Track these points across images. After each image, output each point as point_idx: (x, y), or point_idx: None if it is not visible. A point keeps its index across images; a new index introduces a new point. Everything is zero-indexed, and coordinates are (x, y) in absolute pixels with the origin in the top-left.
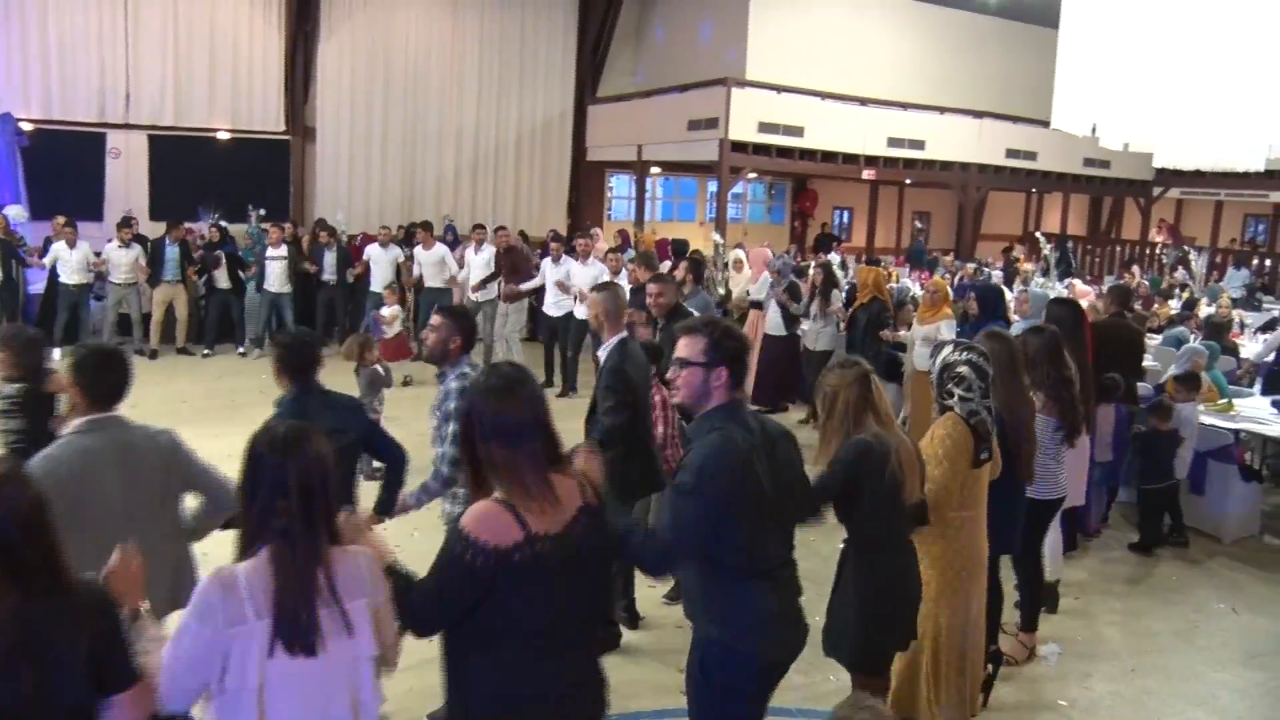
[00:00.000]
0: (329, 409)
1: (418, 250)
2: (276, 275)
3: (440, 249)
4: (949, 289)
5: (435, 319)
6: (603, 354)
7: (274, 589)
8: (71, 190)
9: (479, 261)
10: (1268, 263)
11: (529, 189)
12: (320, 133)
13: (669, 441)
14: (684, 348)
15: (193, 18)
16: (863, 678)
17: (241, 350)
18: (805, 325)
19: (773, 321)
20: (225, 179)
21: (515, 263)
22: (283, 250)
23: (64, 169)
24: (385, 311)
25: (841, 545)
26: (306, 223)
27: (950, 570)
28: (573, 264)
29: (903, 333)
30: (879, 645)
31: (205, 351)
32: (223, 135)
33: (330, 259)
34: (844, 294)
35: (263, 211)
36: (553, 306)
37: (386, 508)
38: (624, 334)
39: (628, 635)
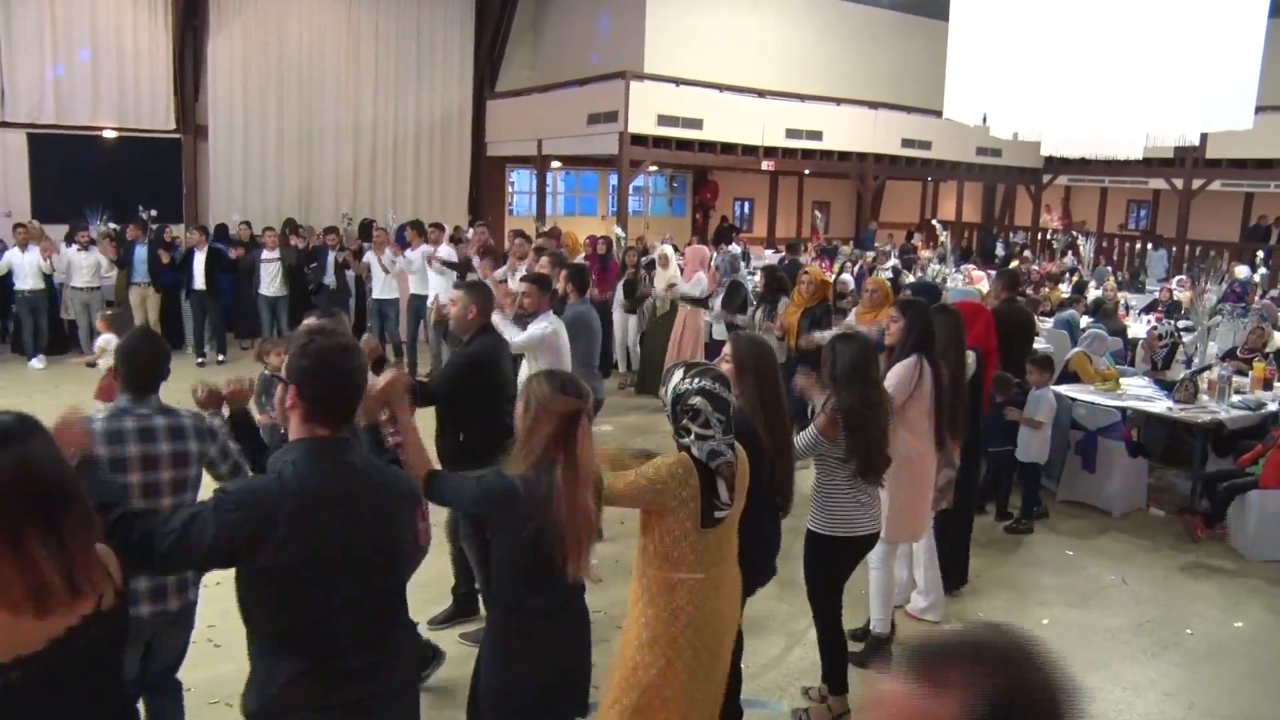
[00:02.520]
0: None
1: (407, 252)
2: (271, 278)
3: (425, 249)
4: (889, 288)
5: (454, 293)
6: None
7: None
8: None
9: (441, 255)
10: (1150, 246)
11: (429, 185)
12: (213, 130)
13: None
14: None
15: (71, 12)
16: None
17: (201, 360)
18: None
19: (716, 328)
20: (113, 179)
21: (494, 264)
22: (276, 254)
23: None
24: (99, 341)
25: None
26: (213, 224)
27: (673, 642)
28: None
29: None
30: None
31: (200, 360)
32: (109, 134)
33: (331, 261)
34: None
35: (154, 212)
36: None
37: None
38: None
39: None
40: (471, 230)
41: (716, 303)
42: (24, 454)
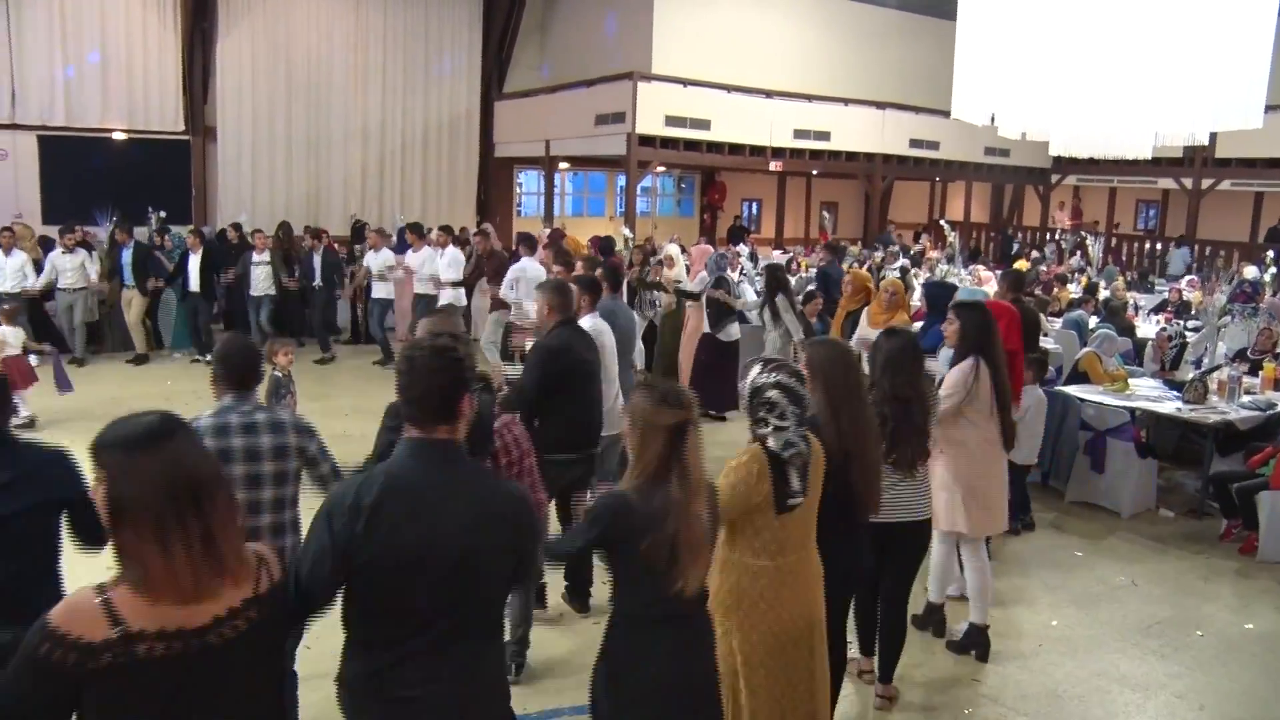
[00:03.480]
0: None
1: (409, 253)
2: (260, 280)
3: (426, 251)
4: (905, 290)
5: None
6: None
7: None
8: None
9: (442, 264)
10: (1158, 246)
11: (437, 186)
12: (221, 132)
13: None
14: None
15: (81, 15)
16: None
17: (197, 356)
18: (735, 330)
19: (708, 319)
20: (122, 181)
21: (498, 267)
22: (266, 256)
23: None
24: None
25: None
26: (222, 225)
27: (744, 623)
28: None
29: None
30: None
31: (196, 359)
32: (118, 136)
33: (318, 263)
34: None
35: (163, 214)
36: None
37: None
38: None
39: None
40: (474, 233)
41: (709, 287)
42: (172, 452)
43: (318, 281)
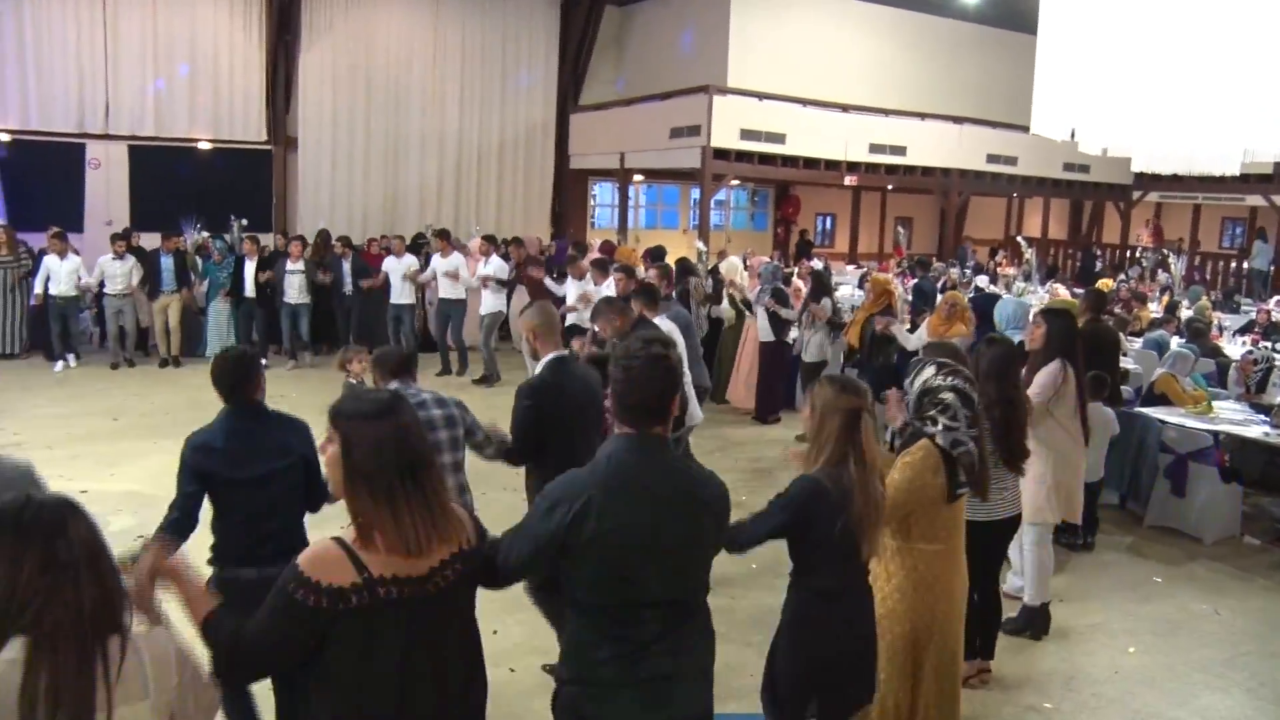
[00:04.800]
0: (275, 429)
1: (435, 258)
2: (295, 287)
3: (456, 258)
4: (966, 302)
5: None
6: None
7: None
8: (51, 201)
9: (490, 271)
10: (1245, 265)
11: (512, 198)
12: (302, 142)
13: None
14: None
15: (172, 29)
16: None
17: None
18: (793, 333)
19: (762, 327)
20: (207, 189)
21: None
22: (300, 265)
23: (43, 180)
24: None
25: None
26: (305, 232)
27: (918, 604)
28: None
29: (903, 328)
30: (802, 702)
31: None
32: (204, 145)
33: (347, 269)
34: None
35: (244, 221)
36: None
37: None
38: (561, 351)
39: None
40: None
41: (759, 308)
42: (399, 422)
43: (348, 288)
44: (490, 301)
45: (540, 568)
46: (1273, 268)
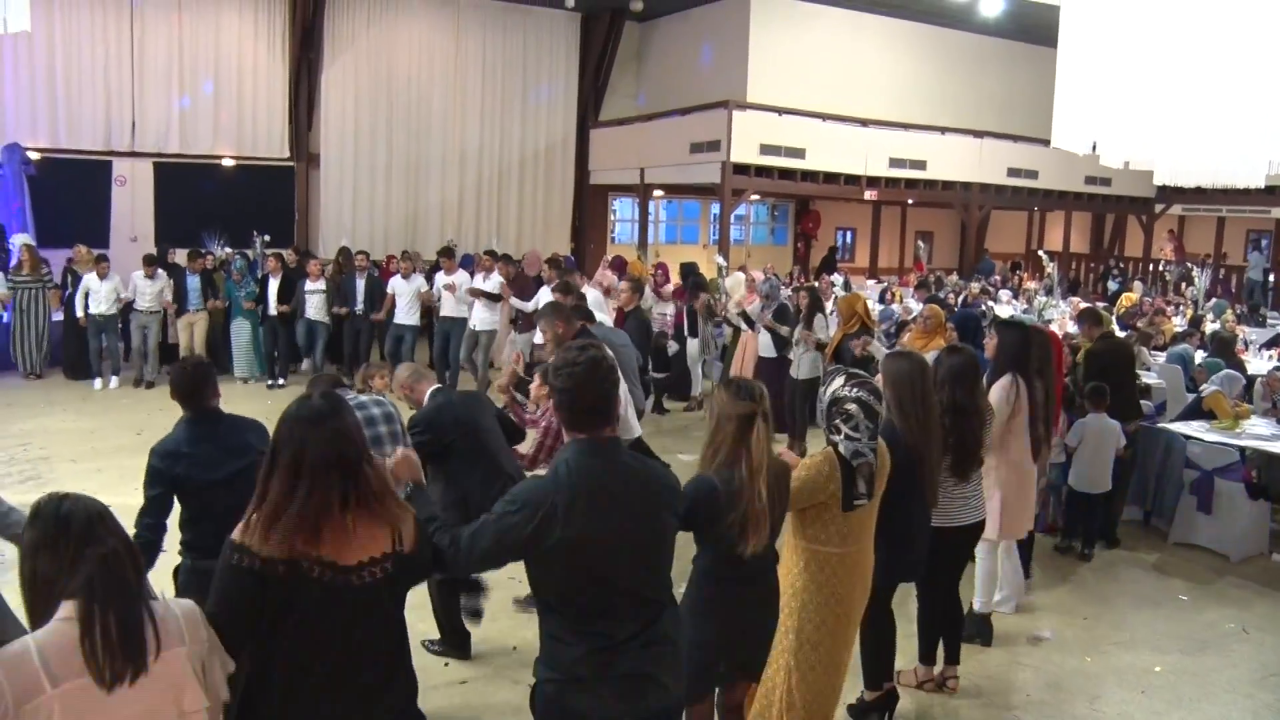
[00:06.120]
0: (232, 431)
1: (438, 276)
2: (314, 306)
3: (461, 275)
4: (944, 316)
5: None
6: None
7: (84, 655)
8: (78, 217)
9: (490, 287)
10: (1271, 278)
11: (532, 213)
12: (324, 158)
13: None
14: None
15: (197, 48)
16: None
17: (270, 381)
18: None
19: (764, 342)
20: (230, 205)
21: (523, 291)
22: (321, 284)
23: (70, 197)
24: None
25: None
26: (324, 249)
27: (816, 607)
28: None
29: (881, 348)
30: (699, 668)
31: (279, 382)
32: (227, 162)
33: (360, 287)
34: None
35: (267, 237)
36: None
37: None
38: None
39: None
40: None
41: (768, 314)
42: (338, 427)
43: (359, 306)
44: (482, 317)
45: (498, 562)
46: (1273, 278)
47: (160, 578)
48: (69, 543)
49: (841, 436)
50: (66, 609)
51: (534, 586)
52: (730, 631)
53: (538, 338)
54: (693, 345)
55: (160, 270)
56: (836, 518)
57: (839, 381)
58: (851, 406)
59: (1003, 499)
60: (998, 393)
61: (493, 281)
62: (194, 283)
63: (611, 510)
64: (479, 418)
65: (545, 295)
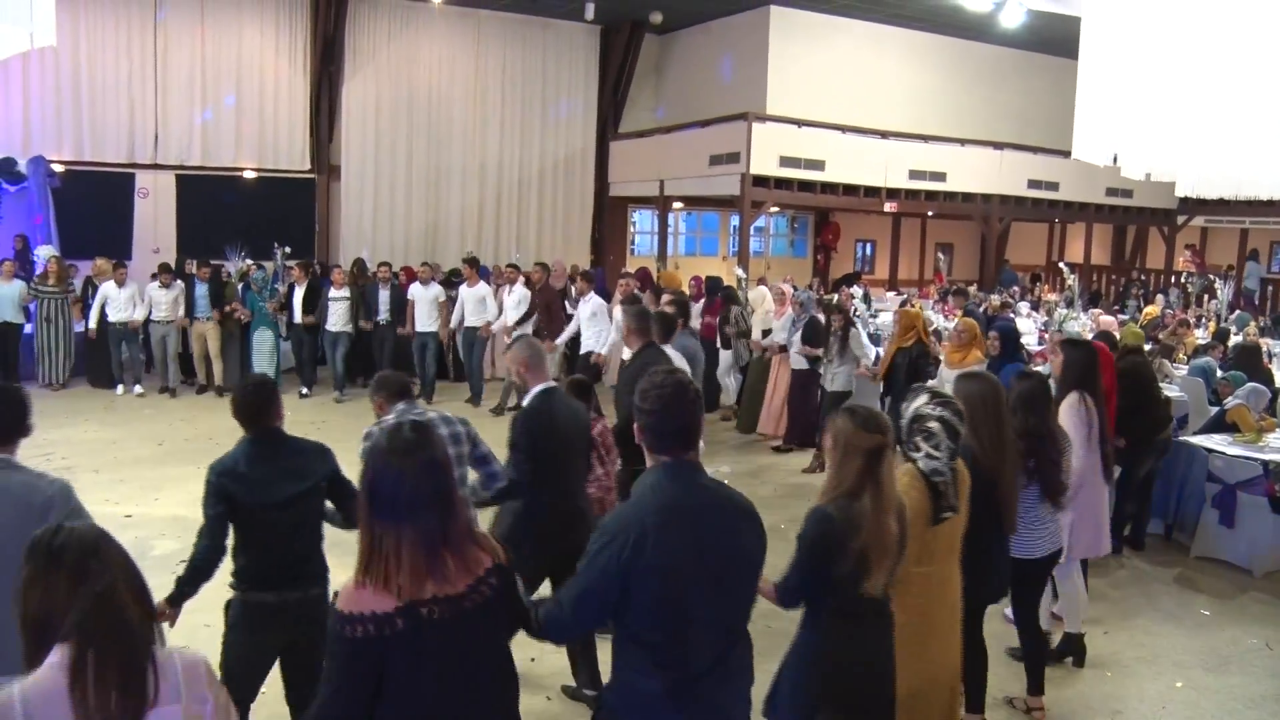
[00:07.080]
0: (294, 454)
1: (462, 288)
2: (337, 315)
3: (483, 287)
4: (979, 328)
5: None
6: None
7: (73, 707)
8: (101, 229)
9: (510, 302)
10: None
11: (552, 225)
12: (345, 171)
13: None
14: None
15: (220, 61)
16: None
17: (304, 391)
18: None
19: (795, 356)
20: (251, 217)
21: (548, 302)
22: (345, 293)
23: (94, 209)
24: None
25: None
26: (344, 261)
27: (908, 627)
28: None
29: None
30: (799, 711)
31: (304, 391)
32: (249, 174)
33: (385, 298)
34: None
35: (288, 249)
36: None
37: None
38: (549, 384)
39: None
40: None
41: (796, 338)
42: (432, 458)
43: (383, 317)
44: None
45: (603, 605)
46: (1270, 288)
47: (208, 613)
48: (60, 579)
49: (922, 454)
50: (58, 653)
51: (616, 617)
52: (835, 681)
53: (613, 335)
54: (725, 357)
55: (177, 280)
56: (921, 535)
57: (923, 399)
58: (934, 425)
59: (1075, 518)
60: (1067, 412)
61: (517, 293)
62: (202, 290)
63: (696, 534)
64: (574, 439)
65: (589, 309)
